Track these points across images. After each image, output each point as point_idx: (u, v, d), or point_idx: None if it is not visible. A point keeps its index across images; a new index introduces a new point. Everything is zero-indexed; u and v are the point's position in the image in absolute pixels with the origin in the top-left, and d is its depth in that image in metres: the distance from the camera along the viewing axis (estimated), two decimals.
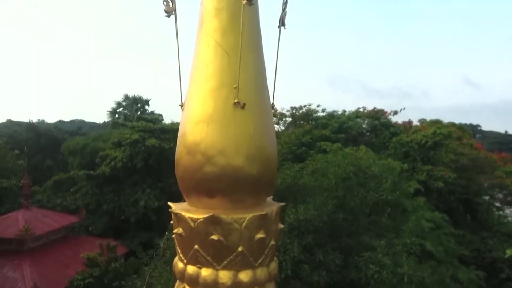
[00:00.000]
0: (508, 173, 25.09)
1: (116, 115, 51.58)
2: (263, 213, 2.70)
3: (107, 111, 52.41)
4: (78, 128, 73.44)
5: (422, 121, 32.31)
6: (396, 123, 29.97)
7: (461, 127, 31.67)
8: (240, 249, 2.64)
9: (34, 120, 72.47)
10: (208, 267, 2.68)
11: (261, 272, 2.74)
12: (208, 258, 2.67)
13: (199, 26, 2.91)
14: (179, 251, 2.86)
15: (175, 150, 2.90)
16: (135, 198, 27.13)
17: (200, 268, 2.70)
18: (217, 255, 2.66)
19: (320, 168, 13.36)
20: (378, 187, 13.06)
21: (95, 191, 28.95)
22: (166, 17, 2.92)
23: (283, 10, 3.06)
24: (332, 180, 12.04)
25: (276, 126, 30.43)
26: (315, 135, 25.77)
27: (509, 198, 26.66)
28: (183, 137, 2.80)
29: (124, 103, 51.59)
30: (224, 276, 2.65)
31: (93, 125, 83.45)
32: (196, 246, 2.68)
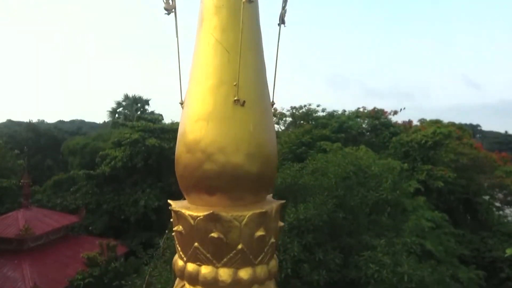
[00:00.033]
0: (508, 173, 25.09)
1: (116, 115, 51.55)
2: (263, 210, 2.70)
3: (107, 111, 52.44)
4: (78, 128, 73.42)
5: (422, 121, 32.34)
6: (396, 123, 30.01)
7: (461, 127, 31.68)
8: (240, 246, 2.64)
9: (34, 120, 72.48)
10: (208, 264, 2.68)
11: (261, 270, 2.75)
12: (208, 255, 2.67)
13: (199, 24, 2.91)
14: (179, 248, 2.86)
15: (175, 149, 2.90)
16: (135, 198, 27.13)
17: (200, 265, 2.70)
18: (217, 253, 2.66)
19: (320, 168, 13.36)
20: (378, 187, 13.06)
21: (95, 190, 28.94)
22: (166, 15, 2.92)
23: (283, 8, 3.06)
24: (332, 180, 12.05)
25: (276, 126, 30.43)
26: (315, 134, 25.78)
27: (509, 198, 26.66)
28: (183, 135, 2.80)
29: (124, 103, 51.57)
30: (224, 273, 2.65)
31: (93, 125, 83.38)
32: (196, 244, 2.69)
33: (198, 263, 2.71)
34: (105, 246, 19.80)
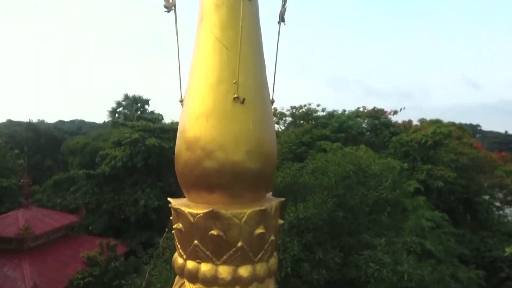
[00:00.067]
0: (508, 173, 25.10)
1: (116, 115, 51.57)
2: (263, 208, 2.69)
3: (107, 110, 52.46)
4: (78, 128, 73.44)
5: (422, 120, 32.38)
6: (396, 122, 30.02)
7: (461, 127, 31.68)
8: (239, 244, 2.64)
9: (34, 120, 72.36)
10: (207, 262, 2.68)
11: (260, 267, 2.74)
12: (208, 253, 2.67)
13: (198, 22, 2.90)
14: (178, 246, 2.85)
15: (175, 149, 2.90)
16: (135, 198, 27.14)
17: (199, 263, 2.70)
18: (216, 250, 2.65)
19: (320, 167, 13.36)
20: (378, 186, 13.07)
21: (95, 190, 28.95)
22: (166, 13, 2.92)
23: (283, 5, 3.05)
24: (332, 179, 12.05)
25: (276, 126, 30.43)
26: (315, 134, 25.79)
27: (509, 198, 26.67)
28: (183, 133, 2.80)
29: (124, 103, 51.59)
30: (224, 271, 2.65)
31: (93, 125, 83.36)
32: (195, 241, 2.68)
33: (197, 260, 2.70)
34: (105, 246, 19.82)
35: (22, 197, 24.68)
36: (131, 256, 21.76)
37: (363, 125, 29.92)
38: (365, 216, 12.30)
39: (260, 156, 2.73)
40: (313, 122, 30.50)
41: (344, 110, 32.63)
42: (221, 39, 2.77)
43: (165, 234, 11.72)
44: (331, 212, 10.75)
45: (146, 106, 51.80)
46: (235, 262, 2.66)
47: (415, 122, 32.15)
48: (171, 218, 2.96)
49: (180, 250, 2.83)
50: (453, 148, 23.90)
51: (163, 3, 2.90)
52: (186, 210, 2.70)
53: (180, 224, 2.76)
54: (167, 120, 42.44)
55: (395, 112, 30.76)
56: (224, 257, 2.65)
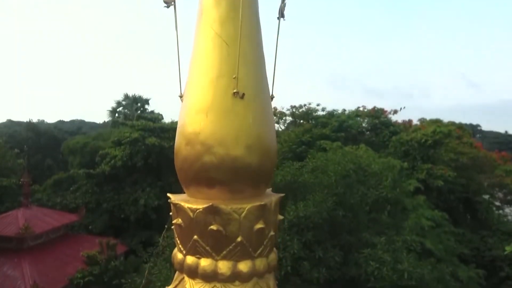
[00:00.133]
0: (508, 172, 25.09)
1: (116, 114, 51.56)
2: (262, 203, 2.69)
3: (107, 110, 52.45)
4: (78, 128, 73.43)
5: (422, 120, 32.34)
6: (396, 122, 30.00)
7: (461, 127, 31.65)
8: (239, 239, 2.64)
9: (34, 120, 72.31)
10: (207, 257, 2.68)
11: (260, 263, 2.74)
12: (207, 248, 2.67)
13: (198, 17, 2.90)
14: (178, 241, 2.85)
15: (174, 148, 2.89)
16: (135, 197, 27.14)
17: (199, 258, 2.69)
18: (216, 245, 2.65)
19: (320, 166, 13.36)
20: (378, 185, 13.06)
21: (95, 189, 28.95)
22: (166, 8, 2.92)
23: (283, 1, 3.06)
24: (332, 178, 12.05)
25: (276, 125, 30.42)
26: (315, 134, 25.78)
27: (509, 197, 26.66)
28: (183, 128, 2.80)
29: (124, 102, 51.59)
30: (223, 266, 2.64)
31: (93, 125, 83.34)
32: (195, 237, 2.68)
33: (197, 255, 2.70)
34: (105, 245, 19.81)
35: (22, 196, 24.69)
36: (131, 255, 21.77)
37: (363, 125, 29.90)
38: (365, 214, 12.29)
39: (260, 151, 2.72)
40: (313, 122, 30.49)
41: (344, 110, 32.64)
42: (221, 34, 2.76)
43: (164, 231, 11.75)
44: (331, 211, 10.75)
45: (146, 106, 51.82)
46: (234, 257, 2.66)
47: (415, 121, 32.17)
48: (170, 213, 2.96)
49: (180, 246, 2.82)
50: (453, 147, 23.88)
51: None
52: (186, 205, 2.70)
53: (180, 220, 2.76)
54: (167, 119, 42.41)
55: (395, 112, 30.77)
56: (224, 252, 2.65)
